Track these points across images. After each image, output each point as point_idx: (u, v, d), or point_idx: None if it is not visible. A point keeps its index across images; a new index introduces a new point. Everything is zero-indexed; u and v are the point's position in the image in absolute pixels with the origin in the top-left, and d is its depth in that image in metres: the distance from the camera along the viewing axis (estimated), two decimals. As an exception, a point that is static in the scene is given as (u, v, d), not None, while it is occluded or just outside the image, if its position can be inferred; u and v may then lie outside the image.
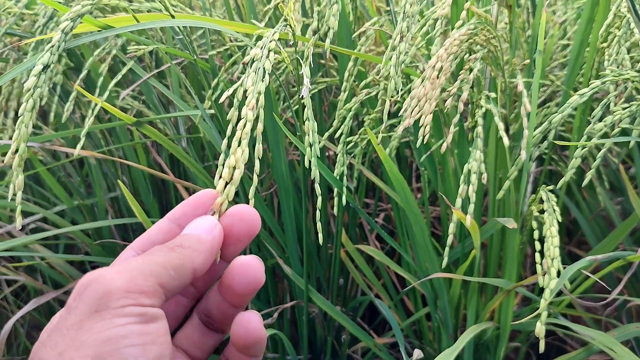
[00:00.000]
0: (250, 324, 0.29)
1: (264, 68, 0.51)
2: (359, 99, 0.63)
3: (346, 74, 0.64)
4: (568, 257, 0.92)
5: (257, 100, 0.44)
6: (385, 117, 0.52)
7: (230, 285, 0.30)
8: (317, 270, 0.84)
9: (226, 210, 0.31)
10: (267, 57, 0.51)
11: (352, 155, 0.71)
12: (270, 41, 0.52)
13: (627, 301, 0.78)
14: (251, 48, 0.52)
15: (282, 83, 0.59)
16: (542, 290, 0.74)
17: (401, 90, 0.50)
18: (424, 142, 0.51)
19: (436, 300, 0.72)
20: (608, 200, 0.82)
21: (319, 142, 0.68)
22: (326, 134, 0.67)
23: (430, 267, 0.68)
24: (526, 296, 0.82)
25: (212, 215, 0.31)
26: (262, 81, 0.51)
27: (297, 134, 0.61)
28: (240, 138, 0.34)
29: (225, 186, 0.33)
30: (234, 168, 0.33)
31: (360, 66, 0.66)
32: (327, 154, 0.87)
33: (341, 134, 0.63)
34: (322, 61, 0.75)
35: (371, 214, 0.92)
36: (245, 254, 0.85)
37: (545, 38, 0.77)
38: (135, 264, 0.27)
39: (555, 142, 0.51)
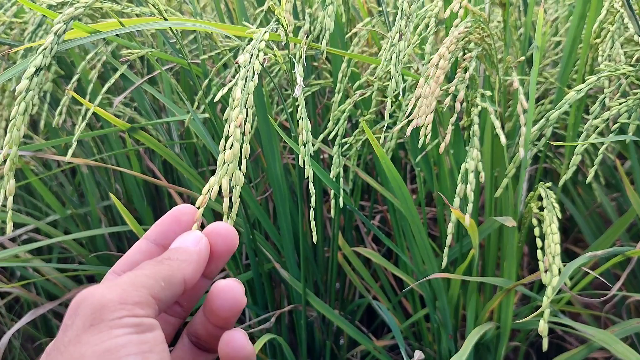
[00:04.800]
0: (236, 342, 0.30)
1: (253, 69, 0.51)
2: (353, 100, 0.63)
3: (340, 75, 0.64)
4: (565, 255, 0.92)
5: (246, 117, 0.45)
6: (387, 116, 0.52)
7: (212, 309, 0.30)
8: (315, 274, 0.83)
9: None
10: (257, 57, 0.51)
11: (347, 157, 0.71)
12: (260, 41, 0.52)
13: (626, 297, 0.78)
14: (243, 49, 0.52)
15: (276, 86, 0.59)
16: (540, 288, 0.73)
17: (394, 91, 0.50)
18: (426, 142, 0.51)
19: (435, 301, 0.72)
20: (604, 197, 0.82)
21: (313, 145, 0.67)
22: (320, 137, 0.67)
23: (428, 268, 0.68)
24: (524, 295, 0.82)
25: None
26: (252, 81, 0.51)
27: (292, 136, 0.61)
28: (225, 160, 0.34)
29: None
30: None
31: (354, 67, 0.66)
32: (321, 157, 0.86)
33: (336, 135, 0.63)
34: (315, 64, 0.75)
35: (367, 217, 0.91)
36: (240, 259, 0.83)
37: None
38: (126, 278, 0.27)
39: (552, 142, 0.51)
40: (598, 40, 0.60)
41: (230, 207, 0.44)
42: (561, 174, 0.54)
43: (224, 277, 0.87)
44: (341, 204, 0.62)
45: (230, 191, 0.45)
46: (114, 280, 0.27)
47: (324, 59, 0.71)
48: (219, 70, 0.72)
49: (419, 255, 0.69)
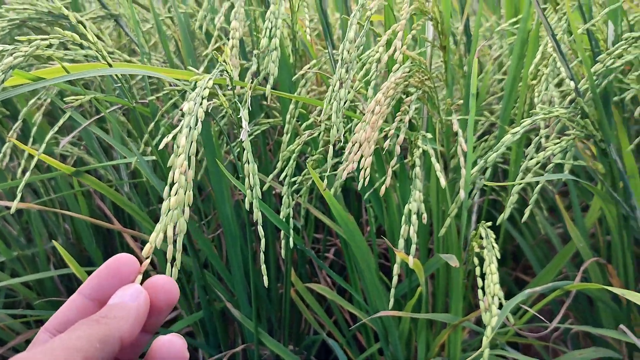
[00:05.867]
0: None
1: (197, 116, 0.52)
2: (302, 140, 0.64)
3: (288, 117, 0.65)
4: (515, 283, 0.94)
5: (189, 164, 0.45)
6: (329, 159, 0.53)
7: None
8: (268, 311, 0.83)
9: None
10: (200, 105, 0.51)
11: (299, 194, 0.71)
12: (204, 89, 0.52)
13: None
14: (189, 93, 0.52)
15: (223, 130, 0.59)
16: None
17: (335, 136, 0.50)
18: (365, 184, 0.52)
19: (387, 335, 0.72)
20: (549, 227, 0.84)
21: (265, 183, 0.68)
22: (271, 175, 0.67)
23: (379, 304, 0.68)
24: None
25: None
26: (196, 129, 0.52)
27: (241, 175, 0.61)
28: (170, 207, 0.34)
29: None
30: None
31: (302, 108, 0.67)
32: (274, 191, 0.86)
33: (285, 175, 0.64)
34: (265, 102, 0.76)
35: (321, 250, 0.91)
36: (192, 297, 0.82)
37: (481, 74, 0.80)
38: (58, 342, 0.26)
39: (488, 183, 0.52)
40: (534, 82, 0.62)
41: (174, 257, 0.44)
42: (503, 213, 0.56)
43: (175, 317, 0.87)
44: (292, 244, 0.62)
45: (175, 239, 0.45)
46: (46, 344, 0.26)
47: (271, 99, 0.72)
48: (168, 110, 0.72)
49: (369, 290, 0.70)
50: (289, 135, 0.64)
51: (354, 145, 0.49)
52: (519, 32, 0.70)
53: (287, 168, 0.63)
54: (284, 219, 0.62)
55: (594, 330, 0.62)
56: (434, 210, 0.67)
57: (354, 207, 0.89)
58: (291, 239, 0.62)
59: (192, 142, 0.50)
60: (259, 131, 0.73)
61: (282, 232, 0.66)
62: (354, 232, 0.61)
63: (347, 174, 0.71)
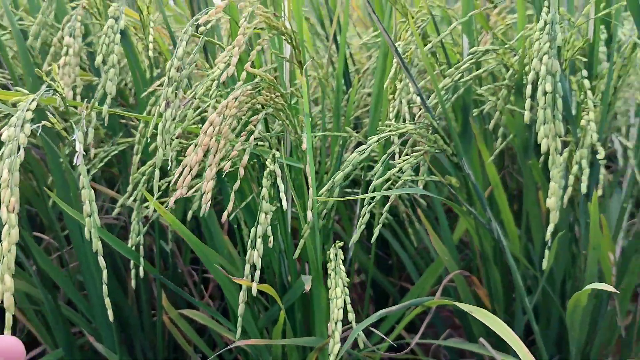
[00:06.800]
0: None
1: (19, 143, 0.47)
2: (152, 162, 0.60)
3: (137, 136, 0.61)
4: (399, 294, 0.94)
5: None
6: (155, 184, 0.50)
7: None
8: (142, 341, 0.78)
9: None
10: (22, 129, 0.47)
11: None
12: (27, 111, 0.48)
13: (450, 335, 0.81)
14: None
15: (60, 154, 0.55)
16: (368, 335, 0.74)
17: (162, 160, 0.47)
18: (207, 209, 0.49)
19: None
20: (425, 236, 0.84)
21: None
22: (121, 200, 0.63)
23: (248, 329, 0.66)
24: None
25: None
26: (18, 157, 0.47)
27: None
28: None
29: None
30: None
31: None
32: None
33: (134, 199, 0.60)
34: (123, 121, 0.71)
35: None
36: (49, 335, 0.72)
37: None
38: None
39: (337, 198, 0.51)
40: (392, 97, 0.62)
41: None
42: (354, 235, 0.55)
43: (42, 352, 0.80)
44: (141, 274, 0.58)
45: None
46: None
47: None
48: None
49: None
50: (138, 156, 0.60)
51: (184, 169, 0.46)
52: (381, 46, 0.70)
53: (135, 192, 0.59)
54: (133, 247, 0.58)
55: (451, 343, 0.62)
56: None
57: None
58: (141, 268, 0.58)
59: (13, 173, 0.46)
60: (116, 151, 0.68)
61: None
62: (208, 255, 0.58)
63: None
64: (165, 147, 0.46)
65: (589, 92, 0.54)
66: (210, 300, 0.89)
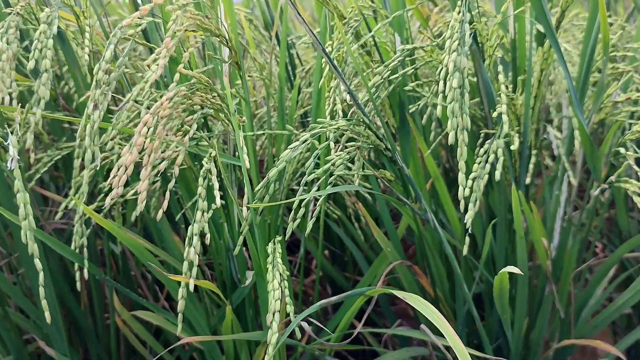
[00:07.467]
0: None
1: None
2: (95, 165, 0.60)
3: (78, 140, 0.61)
4: (353, 287, 0.96)
5: None
6: (85, 188, 0.50)
7: None
8: (96, 345, 0.79)
9: None
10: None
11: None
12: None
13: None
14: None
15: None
16: (318, 332, 0.75)
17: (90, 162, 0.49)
18: (142, 209, 0.50)
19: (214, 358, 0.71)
20: (377, 230, 0.86)
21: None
22: (64, 204, 0.64)
23: (197, 329, 0.67)
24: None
25: None
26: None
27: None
28: None
29: None
30: None
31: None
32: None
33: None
34: (67, 125, 0.72)
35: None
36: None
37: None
38: None
39: (283, 202, 0.53)
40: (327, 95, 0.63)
41: None
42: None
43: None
44: (86, 276, 0.59)
45: None
46: None
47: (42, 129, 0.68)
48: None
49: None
50: (79, 159, 0.61)
51: (119, 169, 0.47)
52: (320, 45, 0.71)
53: (77, 195, 0.60)
54: (77, 250, 0.59)
55: (398, 331, 0.64)
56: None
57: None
58: (85, 270, 0.59)
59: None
60: (59, 156, 0.68)
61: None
62: (142, 252, 0.58)
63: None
64: (93, 148, 0.47)
65: (503, 86, 0.57)
66: (166, 302, 0.90)
